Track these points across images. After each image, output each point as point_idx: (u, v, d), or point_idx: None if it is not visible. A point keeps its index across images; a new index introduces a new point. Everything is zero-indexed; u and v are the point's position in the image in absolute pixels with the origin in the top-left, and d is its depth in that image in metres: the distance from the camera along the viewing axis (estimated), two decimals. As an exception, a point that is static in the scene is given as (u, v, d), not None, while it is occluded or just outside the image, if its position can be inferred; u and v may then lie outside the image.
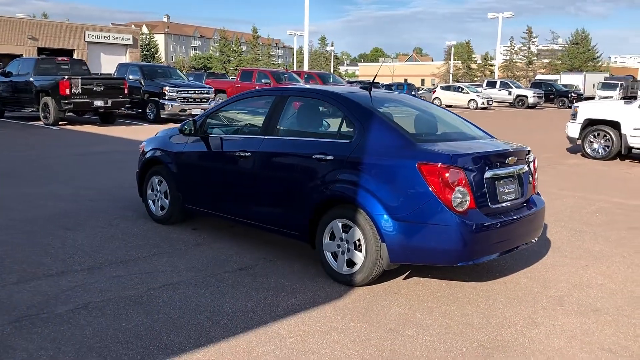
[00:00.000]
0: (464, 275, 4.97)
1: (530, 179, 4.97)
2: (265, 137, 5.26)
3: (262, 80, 23.04)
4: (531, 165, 5.01)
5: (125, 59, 45.27)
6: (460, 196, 4.19)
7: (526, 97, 37.56)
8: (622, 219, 7.51)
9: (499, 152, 4.63)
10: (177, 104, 18.19)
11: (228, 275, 4.83)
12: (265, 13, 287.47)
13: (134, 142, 13.69)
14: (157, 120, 18.31)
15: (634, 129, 13.13)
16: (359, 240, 4.52)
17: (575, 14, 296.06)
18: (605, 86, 49.72)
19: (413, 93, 40.45)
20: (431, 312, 4.21)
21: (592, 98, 48.50)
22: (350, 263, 4.60)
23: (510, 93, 38.58)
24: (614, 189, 9.76)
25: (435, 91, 37.93)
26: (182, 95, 18.34)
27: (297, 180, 4.94)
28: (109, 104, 16.66)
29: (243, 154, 5.34)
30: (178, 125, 6.14)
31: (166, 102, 18.07)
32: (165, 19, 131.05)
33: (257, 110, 6.01)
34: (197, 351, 3.47)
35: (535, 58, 77.25)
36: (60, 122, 16.68)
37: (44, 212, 6.67)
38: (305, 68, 31.67)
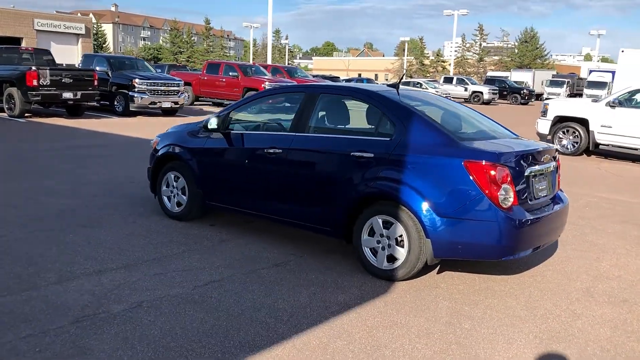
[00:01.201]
0: (491, 269, 5.14)
1: (557, 176, 5.20)
2: (297, 134, 5.29)
3: (230, 73, 22.81)
4: (556, 162, 5.23)
5: (77, 49, 43.83)
6: (505, 193, 4.35)
7: (482, 93, 38.56)
8: (611, 213, 7.90)
9: (536, 150, 4.82)
10: (147, 97, 17.81)
11: (266, 271, 4.85)
12: (216, 4, 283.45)
13: (109, 135, 13.40)
14: (126, 113, 17.90)
15: (601, 125, 13.75)
16: (400, 236, 4.62)
17: (519, 13, 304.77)
18: (552, 83, 51.55)
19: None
20: (477, 305, 4.36)
21: (541, 95, 50.28)
22: (391, 259, 4.70)
23: (466, 89, 39.50)
24: (593, 184, 10.23)
25: (395, 86, 38.34)
26: (152, 87, 17.98)
27: (334, 178, 5.00)
28: (78, 96, 16.18)
29: (272, 150, 5.35)
30: (184, 120, 6.08)
31: (135, 95, 17.67)
32: (113, 8, 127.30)
33: (281, 108, 6.03)
34: (273, 348, 3.50)
35: (486, 55, 79.21)
36: (25, 114, 16.08)
37: (51, 209, 6.48)
38: (269, 61, 31.54)
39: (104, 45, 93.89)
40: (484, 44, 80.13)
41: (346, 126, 5.44)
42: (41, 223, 5.89)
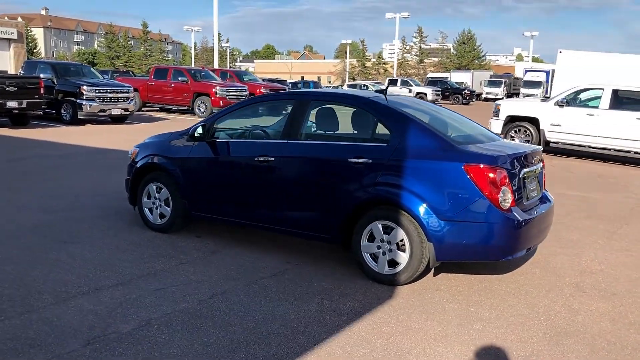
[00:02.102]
0: (484, 269, 5.26)
1: (543, 177, 5.38)
2: (289, 141, 5.25)
3: (179, 78, 22.39)
4: (542, 163, 5.41)
5: (9, 55, 41.90)
6: (504, 195, 4.47)
7: (425, 94, 39.33)
8: (576, 209, 8.25)
9: (527, 152, 4.97)
10: (96, 104, 17.25)
11: (266, 281, 4.80)
12: (152, 7, 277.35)
13: (63, 145, 12.91)
14: (74, 121, 17.27)
15: (551, 124, 14.34)
16: (401, 240, 4.67)
17: (454, 15, 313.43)
18: (490, 83, 53.28)
19: (319, 91, 41.01)
20: (481, 305, 4.46)
21: (480, 95, 51.86)
22: (392, 263, 4.75)
23: (410, 91, 40.20)
24: (549, 181, 10.56)
25: (342, 88, 38.68)
26: (101, 94, 17.42)
27: (330, 184, 5.00)
28: (23, 105, 15.49)
29: (263, 158, 5.30)
30: (161, 130, 5.95)
31: (84, 102, 17.08)
32: (43, 12, 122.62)
33: (268, 115, 5.98)
34: (300, 359, 3.46)
35: (426, 57, 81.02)
36: (-35, 125, 15.28)
37: (24, 224, 6.19)
38: (216, 65, 31.14)
39: (34, 51, 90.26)
40: (423, 46, 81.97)
41: (339, 133, 5.45)
42: (18, 240, 5.62)
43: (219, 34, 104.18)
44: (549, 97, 20.08)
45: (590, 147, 14.06)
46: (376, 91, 5.63)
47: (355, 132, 5.33)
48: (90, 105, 17.15)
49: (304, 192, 5.14)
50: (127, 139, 14.33)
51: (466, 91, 44.67)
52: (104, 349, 3.50)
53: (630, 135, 13.39)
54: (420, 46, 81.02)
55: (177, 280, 4.75)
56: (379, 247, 4.79)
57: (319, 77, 77.65)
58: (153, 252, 5.43)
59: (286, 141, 5.27)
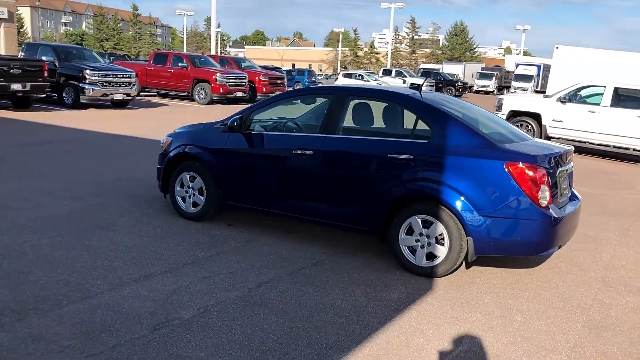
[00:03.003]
0: (511, 264, 5.45)
1: (572, 176, 5.58)
2: (327, 135, 5.39)
3: (179, 64, 22.35)
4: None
5: (0, 34, 41.34)
6: (544, 193, 4.66)
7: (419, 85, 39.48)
8: (586, 205, 8.40)
9: (562, 152, 5.16)
10: (99, 88, 17.19)
11: (308, 271, 4.96)
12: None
13: (69, 129, 12.92)
14: (76, 105, 17.20)
15: (553, 120, 14.60)
16: (441, 234, 4.85)
17: (444, 7, 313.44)
18: (482, 76, 53.62)
19: (314, 79, 41.05)
20: (517, 298, 4.66)
21: (472, 87, 52.14)
22: (430, 256, 4.92)
23: (404, 82, 40.34)
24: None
25: (337, 79, 38.79)
26: (104, 79, 17.36)
27: (370, 178, 5.15)
28: (27, 88, 15.40)
29: (301, 151, 5.43)
30: (203, 120, 6.05)
31: (86, 87, 17.01)
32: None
33: (304, 109, 6.11)
34: (361, 348, 3.63)
35: (418, 48, 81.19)
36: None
37: (55, 211, 6.27)
38: (213, 51, 31.05)
39: (21, 30, 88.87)
40: (415, 37, 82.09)
41: (377, 128, 5.59)
42: (57, 227, 5.71)
43: (209, 19, 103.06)
44: (541, 92, 20.44)
45: (590, 143, 14.33)
46: (411, 87, 5.77)
47: (394, 127, 5.47)
48: (93, 90, 17.09)
49: (343, 185, 5.29)
50: (134, 124, 14.37)
51: (459, 83, 44.91)
52: (171, 334, 3.64)
53: (630, 133, 13.68)
54: (412, 37, 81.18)
55: (222, 268, 4.88)
56: (417, 241, 4.96)
57: (310, 65, 77.44)
58: (191, 241, 5.55)
59: (325, 135, 5.40)
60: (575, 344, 3.90)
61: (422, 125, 5.13)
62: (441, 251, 4.86)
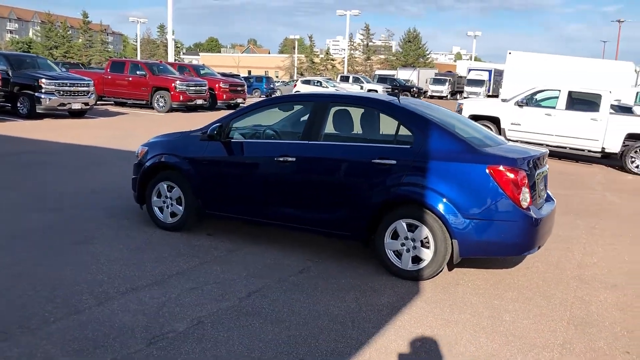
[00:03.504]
0: (491, 265, 5.58)
1: (547, 178, 5.75)
2: (310, 142, 5.40)
3: (137, 72, 21.96)
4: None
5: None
6: (525, 195, 4.79)
7: (376, 91, 39.95)
8: (552, 206, 8.74)
9: (539, 155, 5.31)
10: (56, 98, 16.73)
11: (295, 278, 4.96)
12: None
13: (30, 141, 12.52)
14: (32, 115, 16.67)
15: (511, 123, 15.02)
16: (426, 238, 4.92)
17: (394, 13, 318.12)
18: (436, 81, 54.65)
19: (272, 86, 41.01)
20: (502, 298, 4.77)
21: (426, 92, 53.08)
22: (416, 260, 4.99)
23: (362, 87, 40.78)
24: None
25: (296, 85, 38.82)
26: (61, 88, 16.91)
27: (354, 184, 5.19)
28: (-20, 98, 14.86)
29: (282, 158, 5.43)
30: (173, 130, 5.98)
31: (43, 96, 16.51)
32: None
33: (283, 116, 6.10)
34: (362, 353, 3.66)
35: (373, 54, 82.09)
36: None
37: (31, 224, 6.08)
38: (171, 59, 30.59)
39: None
40: (370, 44, 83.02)
41: (359, 134, 5.64)
42: (34, 241, 5.53)
43: (162, 26, 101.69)
44: (493, 96, 20.98)
45: (547, 145, 14.78)
46: (388, 94, 5.85)
47: (376, 133, 5.54)
48: (50, 99, 16.62)
49: (326, 191, 5.31)
50: (95, 134, 14.05)
51: (414, 89, 45.66)
52: (169, 348, 3.58)
53: (584, 135, 14.19)
54: (367, 43, 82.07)
55: (208, 278, 4.83)
56: (402, 245, 5.02)
57: (266, 72, 77.31)
58: (173, 252, 5.47)
59: (307, 142, 5.42)
60: (564, 340, 4.03)
61: (404, 131, 5.20)
62: (427, 254, 4.93)
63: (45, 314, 3.95)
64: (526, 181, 4.83)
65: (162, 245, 5.65)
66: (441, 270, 5.04)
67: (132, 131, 15.28)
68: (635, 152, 13.64)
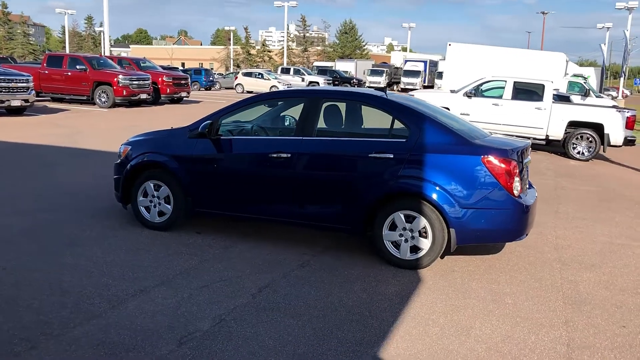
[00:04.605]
0: (477, 251, 5.83)
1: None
2: (304, 138, 5.47)
3: (77, 67, 21.15)
4: None
5: None
6: (516, 183, 5.06)
7: (318, 83, 40.18)
8: (513, 192, 9.17)
9: (526, 145, 5.59)
10: (-6, 95, 15.94)
11: (299, 272, 5.03)
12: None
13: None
14: (-32, 113, 15.84)
15: (461, 113, 15.48)
16: (424, 228, 5.11)
17: (327, 4, 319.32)
18: (373, 73, 55.39)
19: (211, 79, 40.43)
20: (498, 283, 5.03)
21: (364, 83, 53.75)
22: (414, 249, 5.17)
23: (303, 79, 40.87)
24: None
25: (237, 77, 38.45)
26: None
27: (351, 178, 5.30)
28: None
29: (276, 155, 5.47)
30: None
31: (-21, 93, 15.70)
32: None
33: (273, 112, 6.12)
34: (389, 341, 3.79)
35: (310, 45, 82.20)
36: None
37: (6, 230, 5.85)
38: (107, 52, 29.59)
39: None
40: (307, 35, 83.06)
41: (353, 129, 5.74)
42: (17, 246, 5.34)
43: (90, 17, 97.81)
44: (429, 87, 21.65)
45: (496, 134, 15.39)
46: (376, 89, 5.99)
47: (373, 128, 5.66)
48: (-13, 96, 15.81)
49: (323, 187, 5.40)
50: (41, 133, 13.52)
51: (354, 80, 46.16)
52: (201, 347, 3.59)
53: (530, 123, 14.87)
54: (304, 35, 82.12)
55: (214, 276, 4.83)
56: (400, 235, 5.19)
57: (201, 64, 76.02)
58: (168, 251, 5.42)
59: (301, 138, 5.48)
60: (566, 319, 4.31)
61: (397, 125, 5.36)
62: (425, 244, 5.12)
63: (63, 320, 3.87)
64: (517, 170, 5.09)
65: (156, 245, 5.58)
66: (437, 258, 5.23)
67: (81, 128, 14.79)
68: (577, 138, 14.43)
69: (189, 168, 5.82)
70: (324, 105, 5.62)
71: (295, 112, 6.00)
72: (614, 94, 41.80)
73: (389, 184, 5.17)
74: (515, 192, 5.06)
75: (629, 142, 14.31)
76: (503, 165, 4.99)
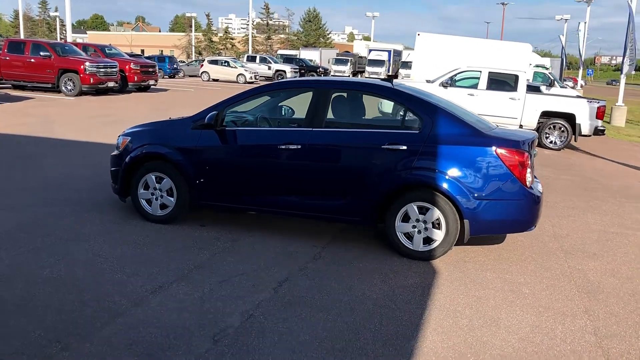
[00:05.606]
0: (482, 242, 5.88)
1: (534, 158, 6.14)
2: (314, 129, 5.41)
3: (40, 53, 20.39)
4: None
5: None
6: (529, 174, 5.12)
7: (284, 71, 39.93)
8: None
9: (534, 137, 5.65)
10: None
11: (314, 265, 4.99)
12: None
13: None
14: None
15: (437, 104, 15.66)
16: (437, 219, 5.13)
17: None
18: (338, 61, 55.30)
19: (175, 66, 39.69)
20: (510, 273, 5.09)
21: (329, 72, 53.66)
22: (427, 240, 5.19)
23: (269, 68, 40.52)
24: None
25: (202, 65, 37.82)
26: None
27: (364, 170, 5.27)
28: None
29: (285, 146, 5.40)
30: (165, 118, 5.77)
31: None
32: None
33: (279, 102, 6.02)
34: (422, 333, 3.79)
35: (273, 33, 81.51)
36: None
37: (4, 224, 5.61)
38: (69, 39, 28.59)
39: None
40: (270, 22, 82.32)
41: (365, 120, 5.70)
42: (18, 242, 5.13)
43: (45, 2, 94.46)
44: (393, 76, 21.74)
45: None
46: (381, 79, 5.96)
47: (384, 120, 5.63)
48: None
49: (334, 178, 5.35)
50: (9, 122, 13.04)
51: (320, 69, 46.02)
52: (238, 343, 3.52)
53: (504, 113, 15.12)
54: (267, 22, 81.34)
55: (230, 270, 4.75)
56: (414, 227, 5.20)
57: (161, 51, 74.44)
58: (177, 245, 5.30)
59: (311, 129, 5.41)
60: (585, 308, 4.40)
61: (410, 116, 5.35)
62: (438, 235, 5.14)
63: (88, 319, 3.73)
64: (529, 162, 5.15)
65: (162, 239, 5.45)
66: (450, 249, 5.27)
67: (51, 117, 14.31)
68: (550, 128, 14.75)
69: (192, 160, 5.68)
70: (334, 96, 5.56)
71: (296, 102, 5.95)
72: (570, 84, 42.90)
73: (402, 175, 5.16)
74: (528, 183, 5.12)
75: (598, 131, 14.71)
76: (516, 157, 5.04)
